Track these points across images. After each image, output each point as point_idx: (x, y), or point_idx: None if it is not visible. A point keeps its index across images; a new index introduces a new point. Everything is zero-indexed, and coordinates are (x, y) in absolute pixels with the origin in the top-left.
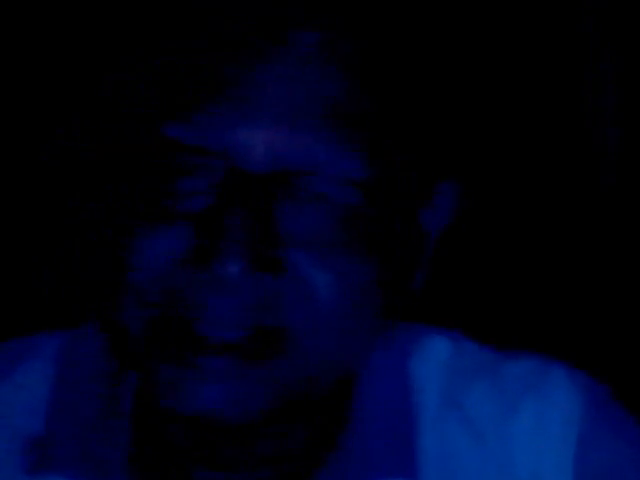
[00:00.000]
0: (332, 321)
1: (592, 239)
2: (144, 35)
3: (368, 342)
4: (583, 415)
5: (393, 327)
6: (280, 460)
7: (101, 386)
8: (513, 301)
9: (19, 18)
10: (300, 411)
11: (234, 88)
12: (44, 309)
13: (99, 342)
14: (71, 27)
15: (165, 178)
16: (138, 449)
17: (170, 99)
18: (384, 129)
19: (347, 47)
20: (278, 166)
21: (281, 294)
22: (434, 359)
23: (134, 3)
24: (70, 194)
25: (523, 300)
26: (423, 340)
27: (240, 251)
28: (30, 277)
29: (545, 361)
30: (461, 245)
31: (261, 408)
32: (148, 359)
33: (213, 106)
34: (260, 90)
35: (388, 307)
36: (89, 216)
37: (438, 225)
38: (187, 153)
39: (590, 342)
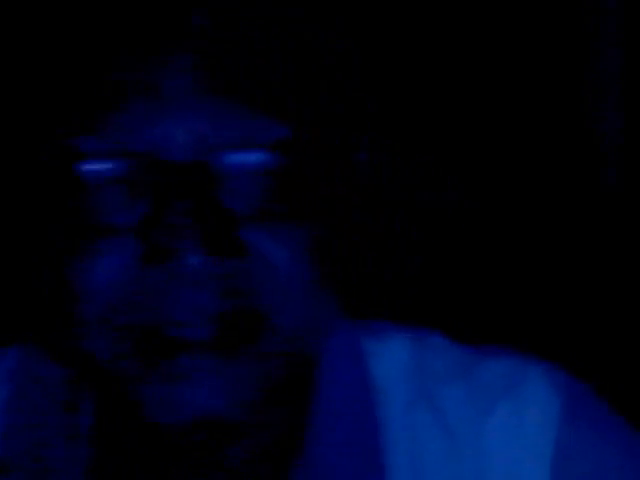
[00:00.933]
0: (298, 293)
1: (593, 238)
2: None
3: (334, 310)
4: (562, 416)
5: (356, 312)
6: (250, 469)
7: (58, 405)
8: (511, 301)
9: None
10: (279, 400)
11: (138, 88)
12: (43, 311)
13: (55, 359)
14: None
15: (97, 193)
16: (98, 469)
17: (76, 113)
18: (293, 89)
19: (240, 26)
20: (203, 149)
21: (247, 275)
22: (397, 358)
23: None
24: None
25: (521, 300)
26: (385, 339)
27: (197, 242)
28: (30, 277)
29: (522, 359)
30: (463, 245)
31: (251, 396)
32: (126, 378)
33: (121, 111)
34: (165, 82)
35: (347, 268)
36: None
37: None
38: (109, 162)
39: (589, 342)
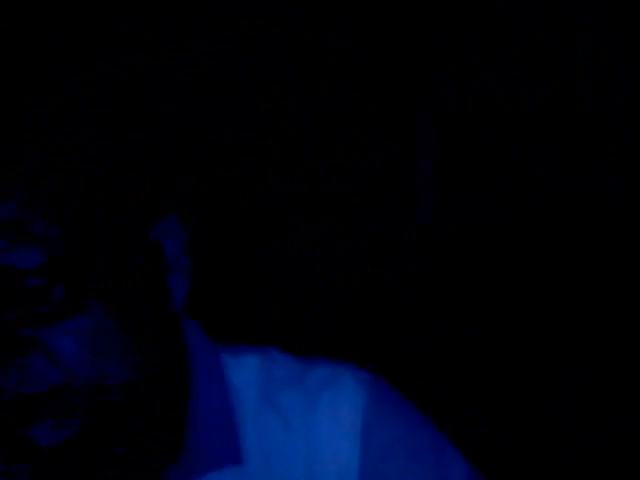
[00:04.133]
0: (82, 372)
1: (592, 240)
2: None
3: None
4: (366, 403)
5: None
6: (130, 466)
7: None
8: (510, 301)
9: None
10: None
11: None
12: None
13: None
14: None
15: None
16: None
17: None
18: (293, 90)
19: None
20: None
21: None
22: (248, 370)
23: None
24: None
25: (521, 300)
26: (240, 356)
27: None
28: None
29: (338, 365)
30: (463, 247)
31: (72, 428)
32: None
33: None
34: None
35: (348, 272)
36: None
37: (180, 250)
38: None
39: (586, 343)
